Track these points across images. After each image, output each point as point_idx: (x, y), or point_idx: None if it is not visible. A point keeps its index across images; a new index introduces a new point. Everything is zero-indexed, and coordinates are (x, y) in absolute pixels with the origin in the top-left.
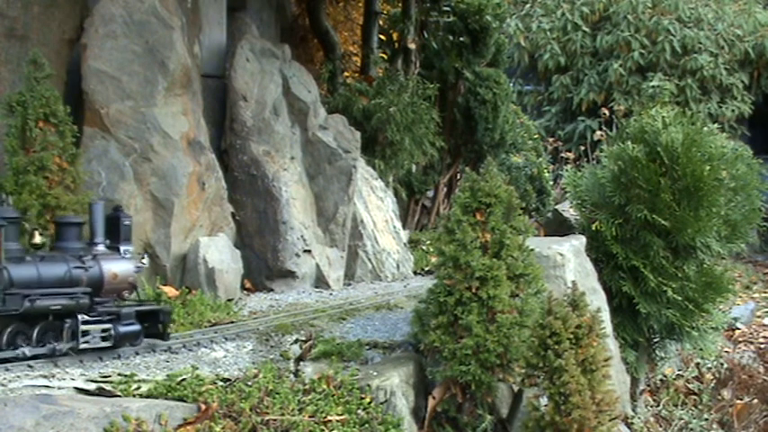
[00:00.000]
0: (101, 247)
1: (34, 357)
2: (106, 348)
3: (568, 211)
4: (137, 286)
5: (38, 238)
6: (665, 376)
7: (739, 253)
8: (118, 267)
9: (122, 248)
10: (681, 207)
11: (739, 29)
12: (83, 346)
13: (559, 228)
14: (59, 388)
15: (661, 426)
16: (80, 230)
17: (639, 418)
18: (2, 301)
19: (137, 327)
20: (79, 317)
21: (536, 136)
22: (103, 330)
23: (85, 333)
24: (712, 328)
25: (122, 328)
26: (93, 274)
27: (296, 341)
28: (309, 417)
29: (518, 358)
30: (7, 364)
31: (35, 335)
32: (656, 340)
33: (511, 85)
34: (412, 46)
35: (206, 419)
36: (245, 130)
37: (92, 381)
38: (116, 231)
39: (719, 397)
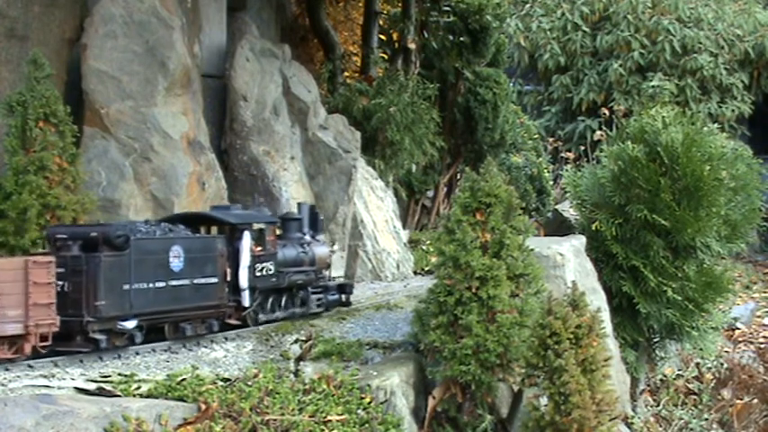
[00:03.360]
0: (307, 237)
1: (285, 319)
2: (320, 313)
3: (568, 211)
4: (330, 265)
5: (277, 231)
6: (665, 376)
7: (739, 253)
8: (320, 251)
9: (319, 237)
10: (681, 207)
11: (739, 29)
12: (311, 311)
13: (559, 228)
14: (59, 388)
15: (661, 426)
16: (299, 224)
17: (639, 417)
18: (276, 277)
19: (338, 296)
20: (309, 289)
21: (536, 136)
22: (320, 299)
23: (311, 301)
24: (712, 328)
25: (330, 297)
26: (310, 257)
27: (296, 341)
28: (309, 417)
29: (518, 358)
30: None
31: (283, 302)
32: (656, 340)
33: (511, 85)
34: (412, 46)
35: (206, 419)
36: (245, 130)
37: (92, 381)
38: (315, 224)
39: (719, 397)
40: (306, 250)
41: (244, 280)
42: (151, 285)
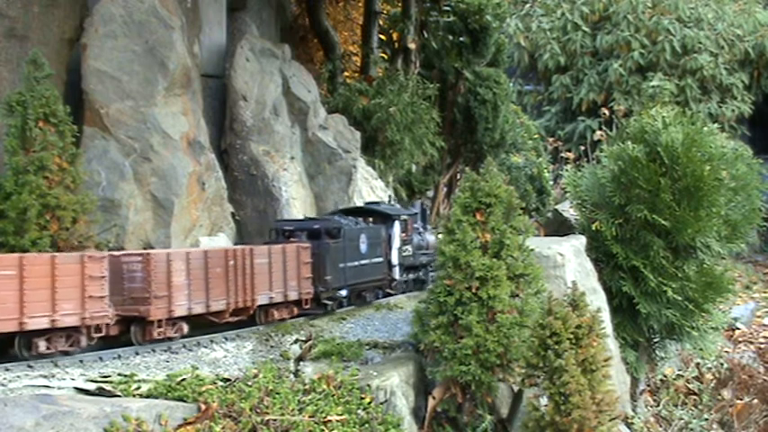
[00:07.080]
0: (419, 227)
1: (415, 290)
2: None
3: (568, 211)
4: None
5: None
6: (665, 376)
7: (739, 253)
8: (430, 238)
9: (427, 227)
10: (681, 207)
11: (739, 29)
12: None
13: (559, 228)
14: (59, 388)
15: (661, 426)
16: (416, 217)
17: (639, 418)
18: (413, 257)
19: None
20: (428, 267)
21: (536, 136)
22: (431, 275)
23: (429, 277)
24: (712, 328)
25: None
26: (426, 242)
27: (296, 341)
28: (309, 417)
29: (518, 358)
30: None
31: (413, 277)
32: (656, 340)
33: (511, 85)
34: (412, 46)
35: (206, 419)
36: (245, 130)
37: (92, 381)
38: (424, 217)
39: (719, 397)
40: (423, 237)
41: (395, 258)
42: (353, 264)
